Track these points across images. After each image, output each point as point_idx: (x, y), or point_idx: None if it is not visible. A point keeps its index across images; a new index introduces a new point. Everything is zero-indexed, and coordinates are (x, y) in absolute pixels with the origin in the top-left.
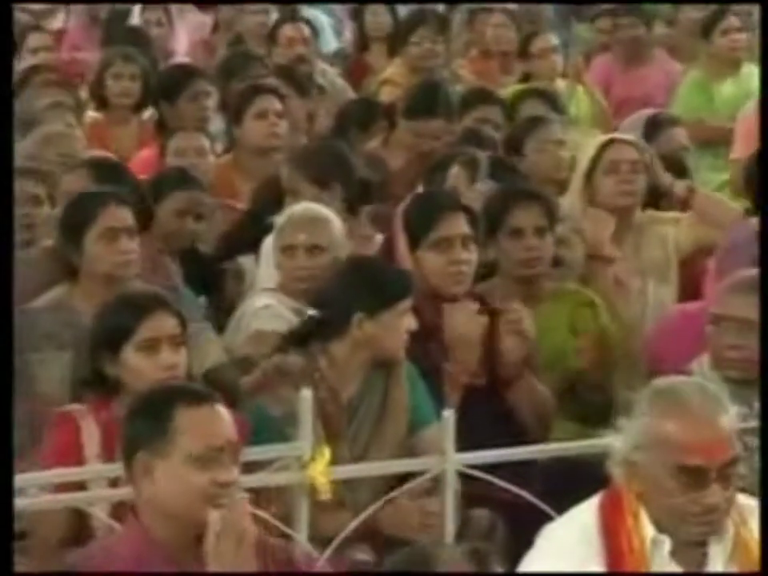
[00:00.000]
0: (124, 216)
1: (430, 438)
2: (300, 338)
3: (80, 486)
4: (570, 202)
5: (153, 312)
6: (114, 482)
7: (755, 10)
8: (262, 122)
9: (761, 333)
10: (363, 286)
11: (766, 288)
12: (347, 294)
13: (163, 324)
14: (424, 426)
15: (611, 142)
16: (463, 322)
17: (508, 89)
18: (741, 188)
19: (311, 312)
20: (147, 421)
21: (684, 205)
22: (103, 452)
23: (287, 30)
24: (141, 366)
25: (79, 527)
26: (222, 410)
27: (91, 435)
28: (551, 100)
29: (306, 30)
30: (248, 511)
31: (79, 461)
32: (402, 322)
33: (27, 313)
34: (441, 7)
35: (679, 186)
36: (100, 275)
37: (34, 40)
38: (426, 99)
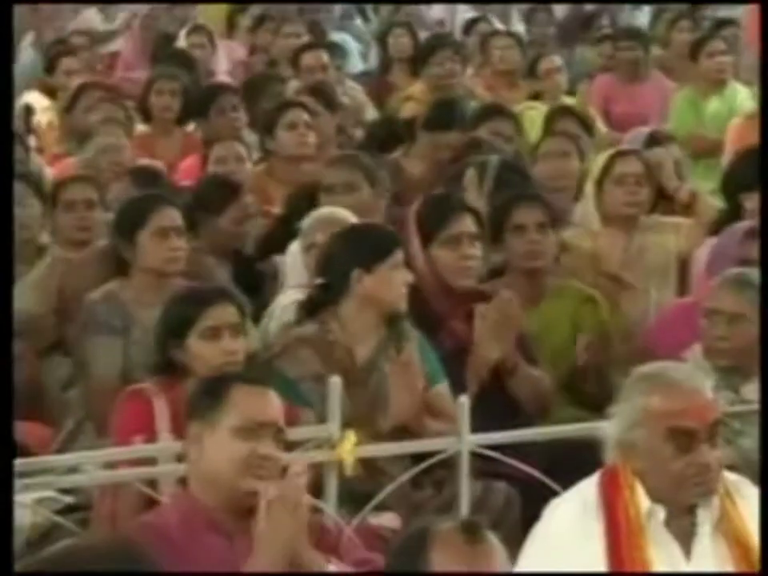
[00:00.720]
0: (174, 216)
1: (445, 392)
2: (311, 307)
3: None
4: (583, 207)
5: (215, 303)
6: (180, 458)
7: (740, 33)
8: (293, 133)
9: (761, 333)
10: (356, 246)
11: (766, 288)
12: (343, 255)
13: (224, 314)
14: (438, 382)
15: (619, 154)
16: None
17: (520, 105)
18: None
19: (317, 281)
20: (206, 395)
21: (687, 208)
22: (173, 429)
23: (308, 58)
24: (203, 352)
25: (148, 499)
26: (273, 395)
27: (162, 411)
28: (581, 119)
29: (325, 57)
30: (305, 485)
31: (151, 433)
32: (397, 274)
33: (85, 304)
34: (457, 32)
35: (684, 191)
36: (150, 270)
37: (66, 63)
38: (444, 114)
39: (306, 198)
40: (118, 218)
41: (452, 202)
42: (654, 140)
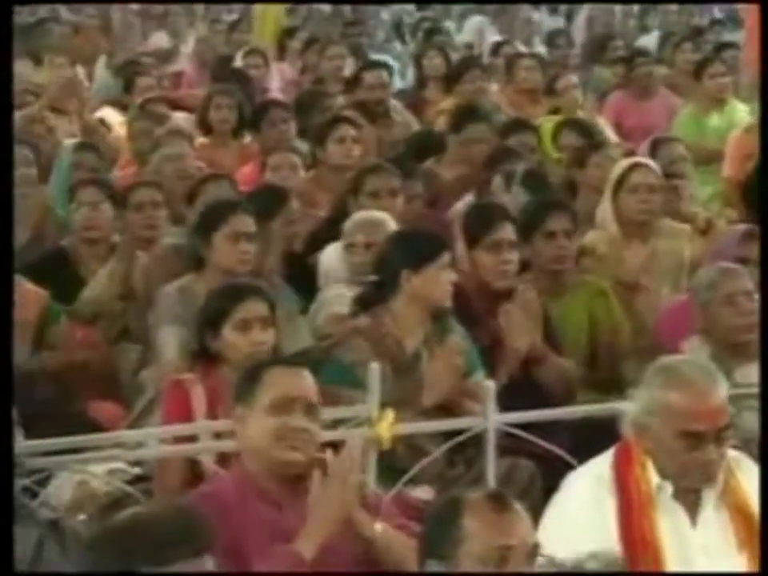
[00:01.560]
0: (247, 222)
1: (479, 382)
2: (365, 302)
3: (192, 438)
4: (602, 213)
5: (247, 298)
6: (218, 436)
7: (740, 55)
8: (341, 146)
9: (761, 332)
10: (406, 248)
11: (766, 288)
12: (394, 257)
13: (255, 308)
14: (476, 370)
15: (634, 165)
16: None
17: (540, 119)
18: (731, 200)
19: (371, 278)
20: (246, 380)
21: (703, 233)
22: (209, 412)
23: (369, 77)
24: (236, 342)
25: (193, 472)
26: (304, 374)
27: (199, 399)
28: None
29: (385, 75)
30: (356, 459)
31: (189, 419)
32: (443, 274)
33: (159, 296)
34: (485, 54)
35: (701, 219)
36: (222, 269)
37: (142, 81)
38: (467, 111)
39: (347, 203)
40: (199, 219)
41: (496, 210)
42: (658, 141)
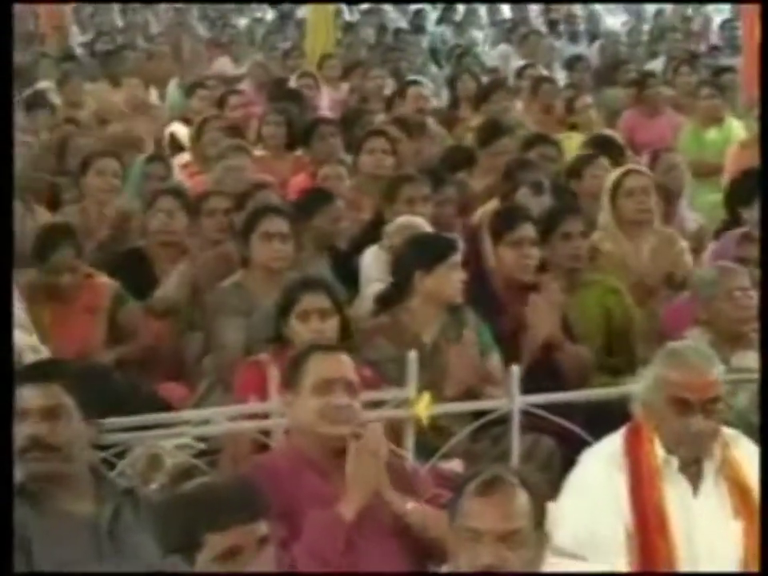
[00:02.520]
0: (278, 223)
1: (496, 362)
2: (384, 302)
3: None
4: (603, 215)
5: (307, 291)
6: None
7: (737, 78)
8: (372, 157)
9: (761, 332)
10: (418, 251)
11: (766, 287)
12: (408, 259)
13: (314, 300)
14: (491, 352)
15: (629, 172)
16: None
17: (560, 134)
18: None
19: (389, 280)
20: (293, 366)
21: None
22: (281, 390)
23: (412, 90)
24: (299, 330)
25: (262, 445)
26: (344, 357)
27: (273, 377)
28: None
29: (427, 90)
30: (383, 436)
31: (264, 394)
32: (453, 273)
33: (216, 291)
34: (510, 77)
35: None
36: (262, 266)
37: (233, 99)
38: (494, 127)
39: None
40: (240, 224)
41: (518, 212)
42: (657, 154)
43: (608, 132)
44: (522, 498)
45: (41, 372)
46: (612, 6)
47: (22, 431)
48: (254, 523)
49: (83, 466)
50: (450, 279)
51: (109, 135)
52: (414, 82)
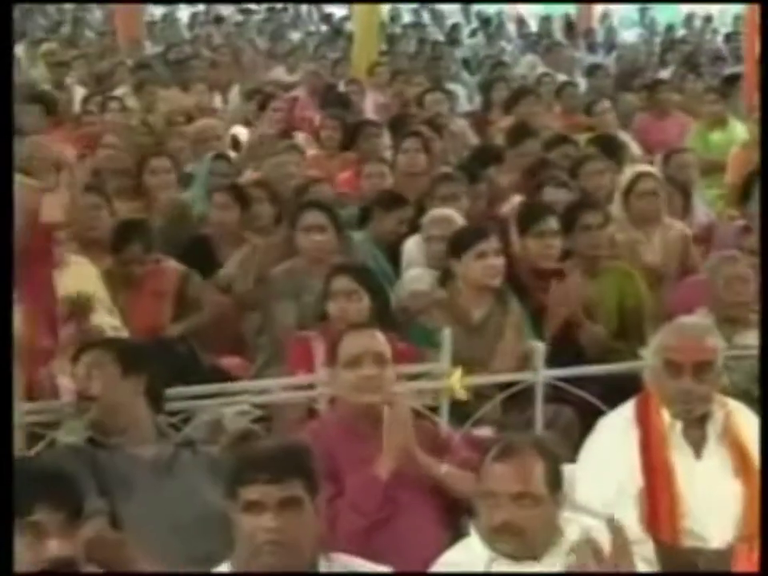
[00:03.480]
0: (317, 217)
1: (533, 347)
2: (442, 281)
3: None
4: (616, 209)
5: (336, 275)
6: None
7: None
8: (407, 156)
9: (761, 332)
10: (452, 241)
11: (767, 287)
12: (447, 248)
13: (340, 283)
14: (529, 337)
15: (640, 175)
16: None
17: (581, 135)
18: (732, 201)
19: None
20: (334, 344)
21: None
22: (327, 362)
23: (429, 96)
24: (333, 310)
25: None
26: (375, 333)
27: (319, 351)
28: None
29: (442, 96)
30: (408, 407)
31: (311, 368)
32: (479, 261)
33: (272, 276)
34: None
35: None
36: (306, 255)
37: (275, 104)
38: (521, 129)
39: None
40: (288, 217)
41: (542, 207)
42: (670, 153)
43: (610, 132)
44: (536, 463)
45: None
46: (628, 18)
47: None
48: (276, 484)
49: (138, 416)
50: (475, 266)
51: (189, 133)
52: (432, 90)
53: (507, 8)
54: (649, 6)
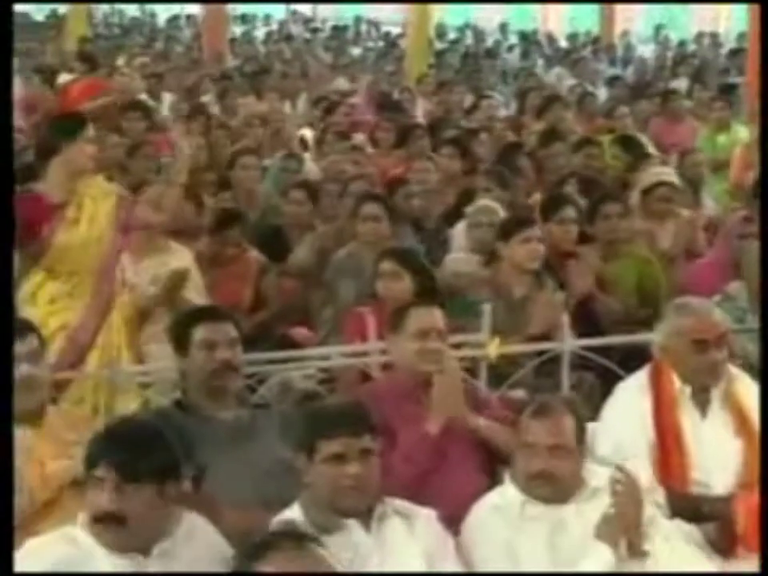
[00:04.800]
0: (374, 208)
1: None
2: (487, 262)
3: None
4: (634, 200)
5: (383, 258)
6: (383, 352)
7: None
8: (444, 159)
9: (760, 332)
10: (503, 227)
11: (767, 287)
12: (498, 233)
13: (385, 266)
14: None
15: (658, 184)
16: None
17: (603, 137)
18: (735, 196)
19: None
20: (395, 316)
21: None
22: (378, 335)
23: (484, 102)
24: (381, 289)
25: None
26: (437, 310)
27: (372, 324)
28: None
29: (495, 102)
30: (459, 373)
31: (365, 338)
32: (521, 246)
33: (335, 257)
34: (564, 92)
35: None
36: (364, 240)
37: (339, 111)
38: (550, 132)
39: (466, 194)
40: (347, 207)
41: (562, 197)
42: (684, 153)
43: (630, 132)
44: (568, 420)
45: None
46: (645, 36)
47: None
48: (356, 437)
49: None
50: (520, 250)
51: (264, 135)
52: (487, 96)
53: (540, 27)
54: (663, 24)
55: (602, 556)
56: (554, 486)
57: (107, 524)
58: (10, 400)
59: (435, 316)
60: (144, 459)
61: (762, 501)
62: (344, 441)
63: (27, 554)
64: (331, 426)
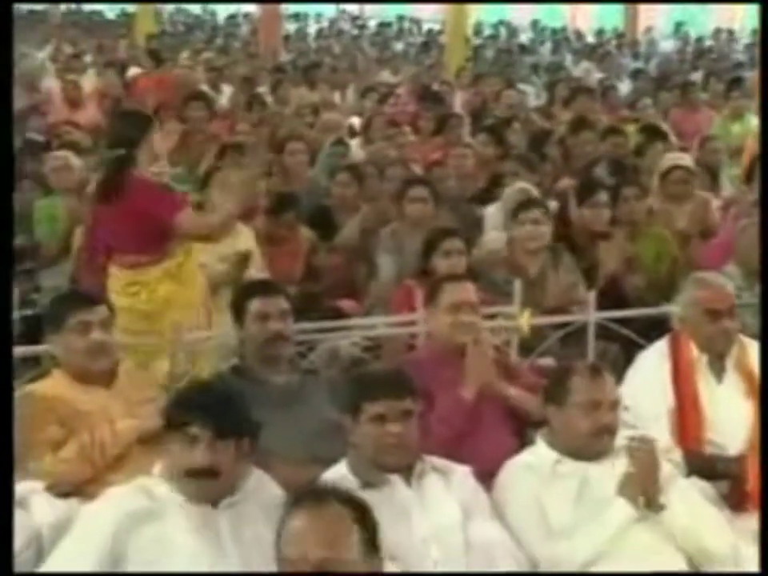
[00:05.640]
0: (420, 191)
1: (583, 291)
2: (507, 242)
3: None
4: (654, 186)
5: (449, 236)
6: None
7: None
8: (479, 146)
9: (761, 332)
10: (513, 208)
11: (767, 287)
12: (508, 214)
13: (454, 243)
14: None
15: (674, 168)
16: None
17: (627, 126)
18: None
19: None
20: (433, 290)
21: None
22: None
23: (506, 93)
24: (441, 264)
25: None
26: (469, 285)
27: (419, 296)
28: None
29: (516, 94)
30: (490, 343)
31: (413, 309)
32: (525, 226)
33: (380, 235)
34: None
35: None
36: (409, 220)
37: (390, 99)
38: (579, 121)
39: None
40: (393, 189)
41: (595, 183)
42: (703, 140)
43: (655, 122)
44: (612, 379)
45: (267, 286)
46: (666, 32)
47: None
48: (398, 399)
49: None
50: (525, 230)
51: (319, 123)
52: (508, 87)
53: (569, 24)
54: (683, 21)
55: (624, 509)
56: (611, 441)
57: (200, 477)
58: (10, 400)
59: (468, 290)
60: (233, 417)
61: (761, 501)
62: (386, 403)
63: (106, 501)
64: (375, 389)
